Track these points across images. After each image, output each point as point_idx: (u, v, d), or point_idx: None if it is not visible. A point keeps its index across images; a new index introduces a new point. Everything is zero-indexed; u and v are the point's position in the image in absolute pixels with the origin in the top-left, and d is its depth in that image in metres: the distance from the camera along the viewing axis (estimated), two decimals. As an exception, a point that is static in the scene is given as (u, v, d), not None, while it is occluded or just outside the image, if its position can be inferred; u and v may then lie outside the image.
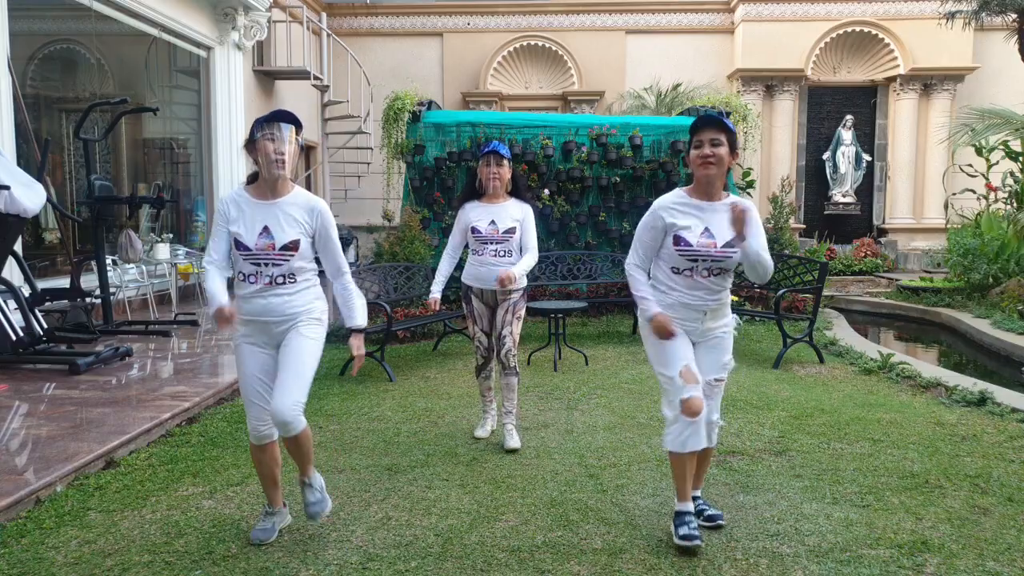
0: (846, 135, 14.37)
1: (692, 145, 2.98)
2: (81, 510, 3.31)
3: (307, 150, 14.63)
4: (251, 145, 2.87)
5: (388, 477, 3.74)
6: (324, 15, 13.93)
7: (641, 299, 3.03)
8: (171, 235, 9.80)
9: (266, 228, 2.84)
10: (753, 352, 6.97)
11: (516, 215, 4.24)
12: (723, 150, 2.92)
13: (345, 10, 14.83)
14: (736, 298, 8.45)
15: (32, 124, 7.13)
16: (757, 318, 8.15)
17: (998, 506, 3.35)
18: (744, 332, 7.89)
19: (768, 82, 14.19)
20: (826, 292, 8.55)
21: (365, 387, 5.67)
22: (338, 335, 7.27)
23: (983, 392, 5.09)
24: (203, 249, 9.76)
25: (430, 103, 9.26)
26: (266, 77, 12.55)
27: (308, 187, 14.63)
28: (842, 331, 8.08)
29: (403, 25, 14.95)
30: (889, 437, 4.34)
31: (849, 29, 14.02)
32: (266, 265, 2.85)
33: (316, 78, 12.29)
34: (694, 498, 3.20)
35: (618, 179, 8.89)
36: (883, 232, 14.51)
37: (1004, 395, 5.15)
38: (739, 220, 2.86)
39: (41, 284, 6.59)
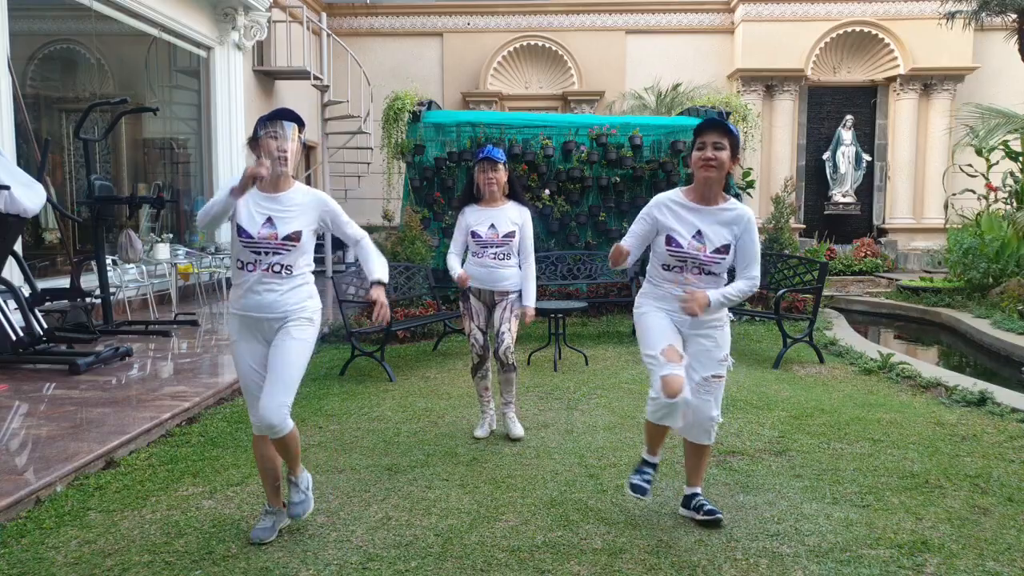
0: (846, 135, 14.38)
1: (695, 146, 3.01)
2: (81, 510, 3.31)
3: (307, 150, 14.63)
4: (254, 142, 2.90)
5: (388, 477, 3.74)
6: (324, 15, 13.94)
7: (612, 253, 3.11)
8: (171, 235, 9.80)
9: (269, 219, 2.88)
10: (753, 352, 6.97)
11: (515, 219, 4.31)
12: (724, 154, 2.95)
13: (345, 10, 14.83)
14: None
15: (32, 124, 7.14)
16: (757, 318, 8.15)
17: (998, 506, 3.35)
18: (744, 332, 7.89)
19: (768, 82, 14.20)
20: (826, 292, 8.55)
21: (365, 387, 5.67)
22: (338, 335, 7.27)
23: (983, 392, 5.09)
24: (203, 249, 9.76)
25: (430, 103, 9.26)
26: (266, 77, 12.55)
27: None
28: (842, 331, 8.08)
29: (403, 25, 14.96)
30: (889, 437, 4.34)
31: (849, 29, 14.03)
32: (266, 254, 2.87)
33: (316, 78, 12.30)
34: (694, 495, 3.23)
35: (618, 179, 8.89)
36: (883, 232, 14.52)
37: (1004, 395, 5.15)
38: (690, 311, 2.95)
39: (41, 284, 6.60)
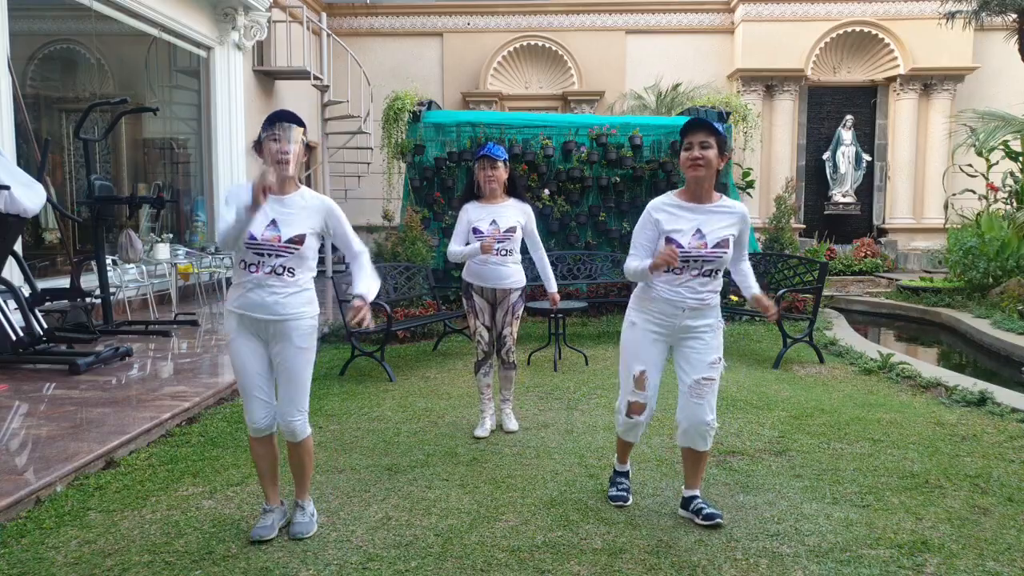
0: (846, 135, 14.37)
1: (682, 148, 3.06)
2: (81, 510, 3.31)
3: (308, 150, 14.64)
4: (259, 146, 2.92)
5: (388, 477, 3.74)
6: (324, 15, 13.94)
7: (639, 267, 3.10)
8: (171, 235, 9.80)
9: (274, 222, 2.89)
10: (753, 352, 6.97)
11: (517, 215, 4.36)
12: (712, 152, 3.00)
13: (345, 10, 14.83)
14: (736, 298, 8.45)
15: (32, 124, 7.13)
16: (757, 318, 8.15)
17: (998, 506, 3.35)
18: (744, 332, 7.90)
19: (768, 82, 14.20)
20: (826, 292, 8.56)
21: (365, 387, 5.67)
22: (338, 335, 7.27)
23: (983, 392, 5.09)
24: (203, 249, 9.76)
25: (430, 103, 9.26)
26: (266, 77, 12.55)
27: (308, 187, 14.63)
28: (842, 331, 8.08)
29: (403, 25, 14.96)
30: (889, 437, 4.34)
31: (849, 29, 14.02)
32: (269, 255, 2.89)
33: (316, 78, 12.30)
34: (693, 498, 3.24)
35: (618, 179, 8.89)
36: (883, 232, 14.52)
37: (1004, 395, 5.15)
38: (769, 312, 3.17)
39: (41, 284, 6.59)
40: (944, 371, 6.13)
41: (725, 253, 3.03)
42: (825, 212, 14.50)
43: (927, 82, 14.05)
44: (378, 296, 6.67)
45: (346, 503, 3.41)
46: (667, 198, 3.13)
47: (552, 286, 4.60)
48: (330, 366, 6.34)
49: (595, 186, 8.94)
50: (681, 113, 10.62)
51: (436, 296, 7.80)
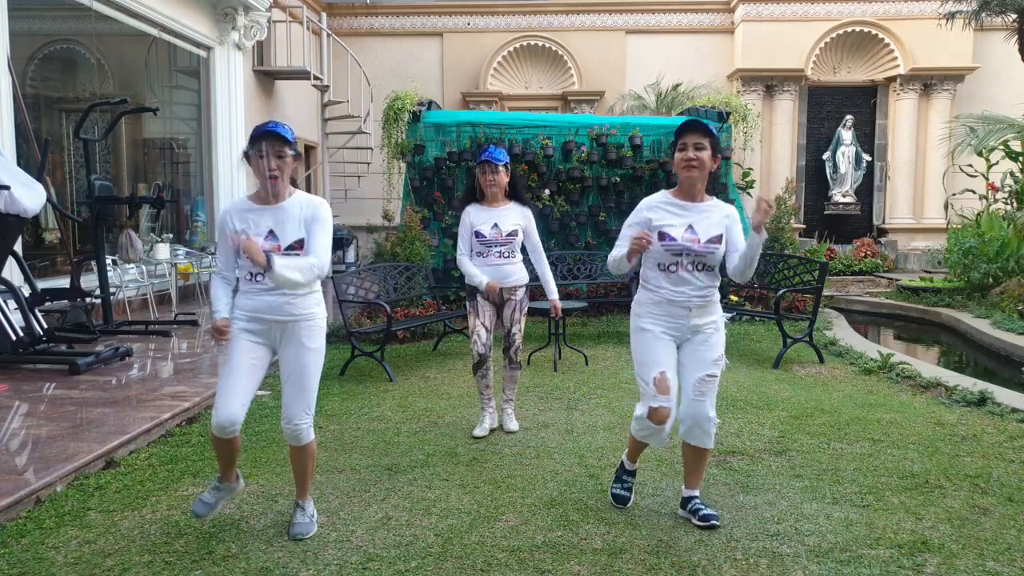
0: (846, 135, 14.37)
1: (676, 148, 3.10)
2: (81, 510, 3.31)
3: (307, 150, 14.64)
4: (247, 157, 2.92)
5: (388, 477, 3.74)
6: (324, 15, 13.94)
7: (618, 255, 3.11)
8: (171, 235, 9.80)
9: (271, 231, 2.90)
10: (753, 352, 6.97)
11: (518, 219, 4.39)
12: (705, 154, 3.04)
13: (345, 10, 14.83)
14: (736, 298, 8.45)
15: (32, 124, 7.13)
16: (757, 318, 8.15)
17: (998, 506, 3.35)
18: (744, 332, 7.89)
19: (768, 82, 14.20)
20: (826, 292, 8.56)
21: (365, 387, 5.67)
22: (338, 335, 7.27)
23: (983, 392, 5.09)
24: (203, 249, 9.76)
25: (430, 103, 9.26)
26: (266, 77, 12.55)
27: (308, 187, 14.64)
28: (842, 331, 8.08)
29: (403, 25, 14.96)
30: (889, 437, 4.34)
31: (849, 29, 14.02)
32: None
33: (316, 78, 12.30)
34: (691, 498, 3.24)
35: (618, 179, 8.89)
36: (883, 232, 14.52)
37: (1004, 395, 5.15)
38: (764, 212, 2.94)
39: (41, 284, 6.59)
40: (944, 371, 6.13)
41: (717, 248, 3.07)
42: (825, 212, 14.50)
43: (927, 82, 14.05)
44: (378, 296, 6.69)
45: (346, 503, 3.41)
46: (661, 196, 3.19)
47: (553, 294, 4.60)
48: (330, 366, 6.33)
49: (595, 186, 8.94)
50: (681, 113, 10.62)
51: (436, 296, 7.80)
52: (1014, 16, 10.68)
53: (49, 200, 5.99)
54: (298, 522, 3.10)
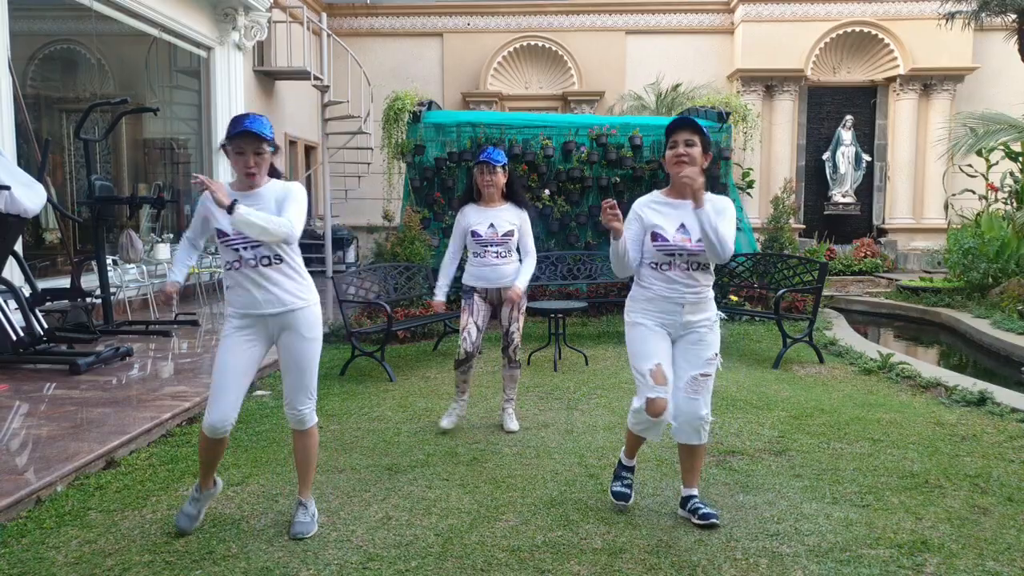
0: (846, 135, 14.38)
1: (667, 146, 3.13)
2: (81, 510, 3.31)
3: (307, 150, 14.64)
4: (225, 148, 2.94)
5: (388, 477, 3.75)
6: (324, 15, 13.92)
7: (612, 245, 3.07)
8: (171, 235, 9.80)
9: None
10: (753, 352, 6.97)
11: (514, 219, 4.41)
12: (696, 151, 3.08)
13: (345, 10, 14.84)
14: (736, 298, 8.45)
15: (32, 124, 7.14)
16: (757, 318, 8.15)
17: (998, 506, 3.35)
18: (744, 332, 7.90)
19: (768, 82, 14.20)
20: (826, 292, 8.56)
21: (365, 387, 5.67)
22: (338, 335, 7.27)
23: (983, 392, 5.09)
24: (203, 249, 9.75)
25: (430, 103, 9.26)
26: (266, 77, 12.55)
27: (308, 187, 14.65)
28: (842, 331, 8.08)
29: (403, 25, 14.96)
30: (889, 437, 4.34)
31: (849, 29, 14.03)
32: (245, 249, 2.91)
33: (316, 78, 12.30)
34: (690, 497, 3.25)
35: (618, 179, 8.90)
36: (883, 232, 14.52)
37: (1004, 395, 5.15)
38: (694, 192, 2.97)
39: (41, 284, 6.60)
40: (944, 371, 6.14)
41: None
42: (825, 212, 14.50)
43: (927, 82, 14.06)
44: (378, 296, 6.69)
45: (346, 503, 3.41)
46: (652, 196, 3.22)
47: (521, 282, 4.38)
48: (330, 366, 6.34)
49: (595, 186, 8.94)
50: (681, 113, 10.63)
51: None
52: (1014, 16, 10.68)
53: (49, 200, 5.99)
54: (299, 521, 3.11)
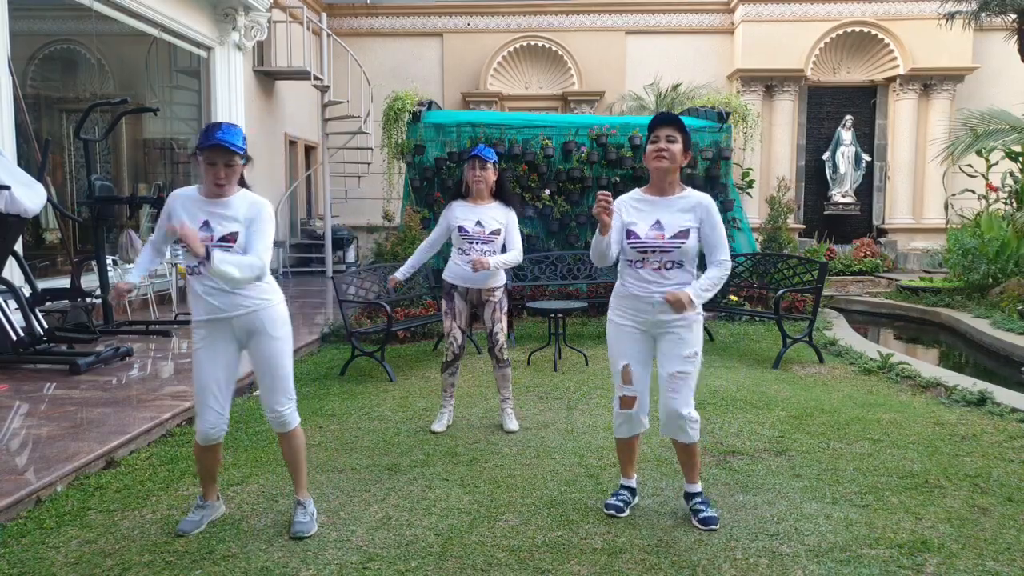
0: (846, 135, 14.38)
1: (649, 141, 3.14)
2: (81, 510, 3.31)
3: (307, 150, 14.64)
4: (196, 156, 2.94)
5: (388, 477, 3.75)
6: (324, 15, 13.94)
7: (594, 238, 3.07)
8: (171, 235, 9.77)
9: (207, 223, 2.93)
10: (753, 352, 6.97)
11: (500, 218, 4.42)
12: (677, 147, 3.08)
13: (345, 10, 14.84)
14: (736, 298, 8.45)
15: (32, 124, 7.13)
16: (757, 318, 8.15)
17: (998, 506, 3.35)
18: (744, 332, 7.89)
19: (768, 82, 14.20)
20: (826, 292, 8.56)
21: (365, 387, 5.67)
22: (338, 335, 7.27)
23: (983, 392, 5.09)
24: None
25: (430, 103, 9.26)
26: (266, 77, 12.56)
27: (308, 187, 14.66)
28: (842, 331, 8.08)
29: (403, 25, 14.96)
30: (889, 437, 4.34)
31: (849, 29, 14.03)
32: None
33: (316, 78, 12.30)
34: (693, 494, 3.25)
35: (618, 179, 8.89)
36: (883, 232, 14.52)
37: (1004, 395, 5.15)
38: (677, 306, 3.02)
39: (41, 284, 6.59)
40: (944, 371, 6.14)
41: (684, 243, 3.06)
42: (825, 212, 14.50)
43: (927, 82, 14.06)
44: (378, 296, 6.69)
45: (346, 503, 3.41)
46: (633, 193, 3.24)
47: (495, 260, 4.27)
48: (330, 366, 6.34)
49: (595, 186, 8.93)
50: (681, 113, 10.62)
51: (436, 296, 7.80)
52: (1014, 16, 10.68)
53: (49, 200, 5.99)
54: (299, 521, 3.11)
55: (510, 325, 7.57)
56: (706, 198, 3.16)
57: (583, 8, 14.78)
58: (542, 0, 14.78)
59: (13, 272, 6.21)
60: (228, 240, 2.90)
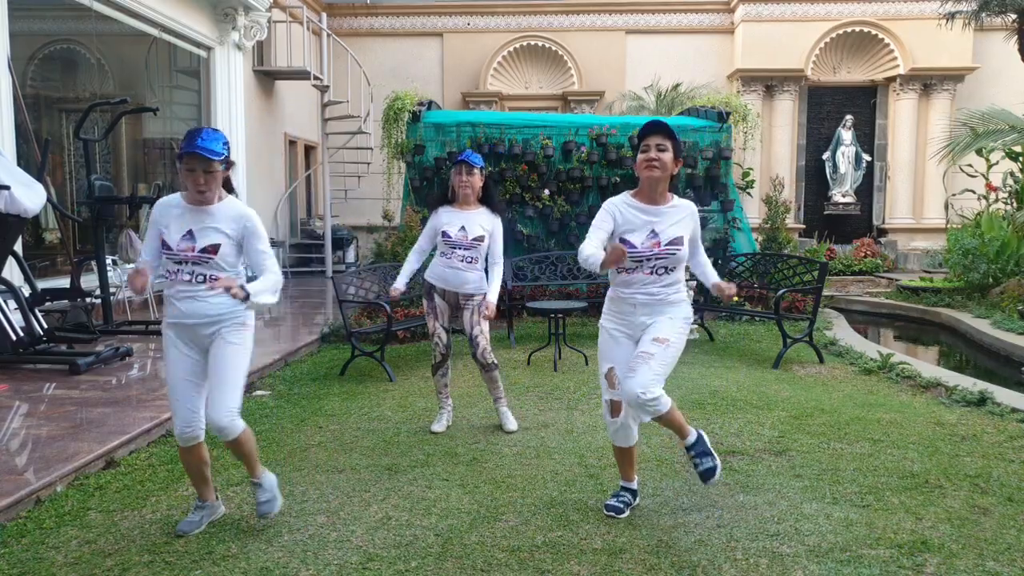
0: (846, 135, 14.38)
1: (639, 149, 3.13)
2: (81, 510, 3.31)
3: (307, 150, 14.64)
4: (179, 160, 2.95)
5: (388, 477, 3.74)
6: (324, 15, 13.95)
7: (591, 255, 3.03)
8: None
9: (190, 232, 2.94)
10: (753, 352, 6.97)
11: (486, 225, 4.40)
12: (667, 156, 3.08)
13: (345, 10, 14.84)
14: (736, 298, 8.45)
15: (32, 124, 7.13)
16: (757, 318, 8.15)
17: (998, 506, 3.35)
18: (744, 332, 7.89)
19: (768, 82, 14.20)
20: (826, 292, 8.55)
21: (365, 387, 5.67)
22: (338, 335, 7.27)
23: (983, 392, 5.09)
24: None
25: (430, 103, 9.26)
26: (266, 77, 12.56)
27: (308, 187, 14.66)
28: (842, 331, 8.08)
29: (403, 25, 14.96)
30: (889, 437, 4.34)
31: (849, 29, 14.03)
32: (185, 263, 2.94)
33: (316, 78, 12.30)
34: (689, 447, 3.25)
35: (618, 179, 8.89)
36: (883, 232, 14.52)
37: (1004, 395, 5.15)
38: (727, 296, 3.21)
39: (41, 284, 6.59)
40: (944, 371, 6.13)
41: (679, 250, 3.10)
42: (825, 212, 14.50)
43: (927, 82, 14.06)
44: (378, 296, 6.69)
45: (346, 503, 3.41)
46: (623, 197, 3.21)
47: (492, 293, 4.42)
48: (330, 366, 6.34)
49: (595, 186, 8.94)
50: (681, 113, 10.62)
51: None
52: (1014, 16, 10.68)
53: (49, 200, 5.99)
54: (261, 500, 3.09)
55: (510, 325, 7.57)
56: (693, 207, 3.24)
57: (583, 8, 14.78)
58: (542, 0, 14.78)
59: (13, 272, 6.21)
60: (209, 252, 2.92)
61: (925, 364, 6.45)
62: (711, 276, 3.35)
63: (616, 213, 3.15)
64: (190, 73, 10.54)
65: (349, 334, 6.16)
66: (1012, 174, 10.86)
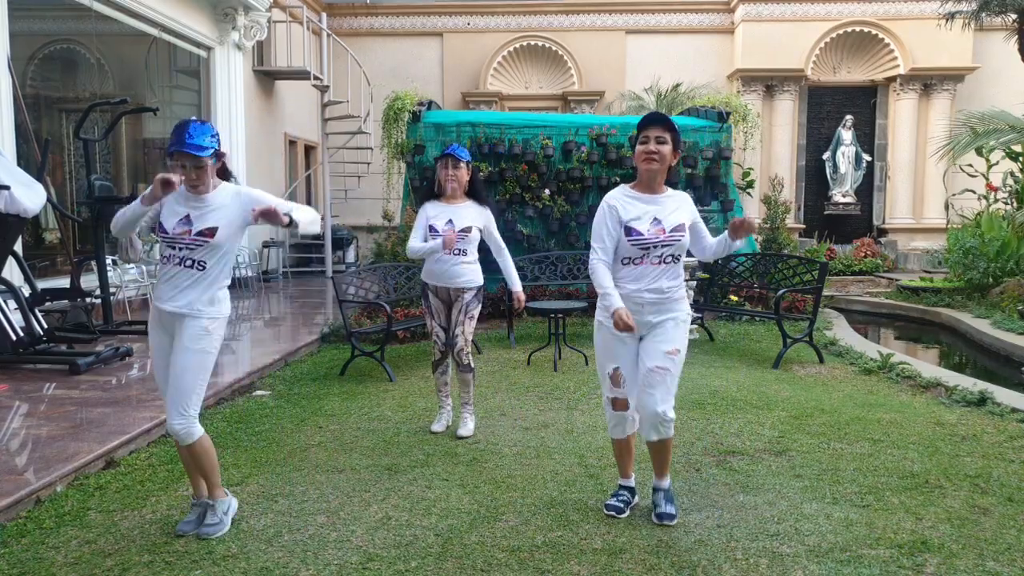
0: (846, 135, 14.38)
1: (638, 141, 3.14)
2: (81, 510, 3.31)
3: (307, 150, 14.64)
4: (169, 156, 2.98)
5: (388, 477, 3.74)
6: (324, 15, 13.95)
7: (605, 294, 3.13)
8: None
9: (187, 216, 2.98)
10: (753, 352, 6.97)
11: (474, 216, 4.43)
12: (666, 148, 3.10)
13: (345, 10, 14.84)
14: (736, 298, 8.45)
15: (32, 124, 7.13)
16: (757, 318, 8.15)
17: (998, 506, 3.35)
18: (744, 332, 7.89)
19: (768, 82, 14.20)
20: (826, 292, 8.55)
21: (365, 387, 5.67)
22: (338, 335, 7.27)
23: (983, 392, 5.09)
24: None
25: (430, 103, 9.26)
26: (266, 77, 12.56)
27: (308, 187, 14.66)
28: (842, 331, 8.08)
29: (403, 25, 14.96)
30: (889, 437, 4.34)
31: (849, 29, 14.03)
32: (179, 248, 2.97)
33: (316, 78, 12.30)
34: (656, 489, 3.29)
35: (618, 179, 8.87)
36: (883, 232, 14.52)
37: (1004, 395, 5.14)
38: (745, 230, 3.12)
39: (41, 284, 6.59)
40: (944, 371, 6.13)
41: (683, 236, 3.13)
42: (825, 212, 14.50)
43: (927, 82, 14.06)
44: (378, 296, 6.69)
45: (346, 503, 3.41)
46: (621, 190, 3.23)
47: (516, 285, 4.57)
48: (330, 366, 6.34)
49: (595, 186, 8.93)
50: (681, 113, 10.62)
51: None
52: (1014, 16, 10.68)
53: (49, 200, 5.99)
54: (207, 523, 3.07)
55: (510, 325, 7.57)
56: (687, 195, 3.29)
57: (583, 8, 14.78)
58: (542, 0, 14.78)
59: (13, 272, 6.21)
60: (206, 235, 2.96)
61: (925, 364, 6.45)
62: (725, 234, 3.24)
63: (616, 205, 3.16)
64: (190, 73, 10.55)
65: (349, 334, 6.16)
66: (1012, 174, 10.86)
